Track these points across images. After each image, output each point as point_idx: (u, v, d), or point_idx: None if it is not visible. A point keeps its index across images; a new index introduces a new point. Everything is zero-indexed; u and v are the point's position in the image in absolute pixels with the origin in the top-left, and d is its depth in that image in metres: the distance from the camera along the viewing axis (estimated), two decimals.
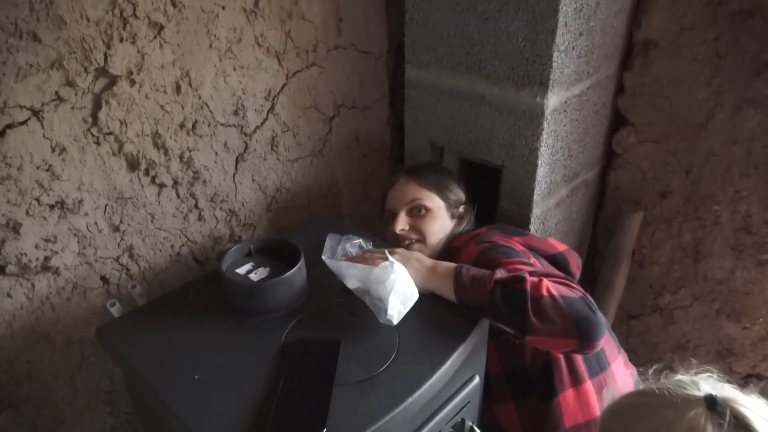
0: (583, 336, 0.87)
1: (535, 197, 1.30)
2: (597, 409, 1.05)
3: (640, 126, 1.41)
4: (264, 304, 0.92)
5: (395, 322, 0.88)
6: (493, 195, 1.41)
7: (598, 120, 1.42)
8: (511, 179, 1.32)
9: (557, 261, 1.17)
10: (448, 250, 1.20)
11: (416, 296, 0.91)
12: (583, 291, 0.93)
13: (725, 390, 0.67)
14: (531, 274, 0.93)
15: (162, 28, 1.03)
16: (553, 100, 1.20)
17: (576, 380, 1.05)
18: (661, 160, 1.41)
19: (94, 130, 1.01)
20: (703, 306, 1.45)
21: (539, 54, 1.16)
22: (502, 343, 1.05)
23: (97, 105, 1.00)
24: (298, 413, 0.74)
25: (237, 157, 1.26)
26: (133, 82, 1.03)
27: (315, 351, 0.85)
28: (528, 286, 0.88)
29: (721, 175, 1.32)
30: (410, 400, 0.78)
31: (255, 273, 0.96)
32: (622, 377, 1.11)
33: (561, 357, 1.04)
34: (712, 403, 0.64)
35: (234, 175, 1.27)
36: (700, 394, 0.66)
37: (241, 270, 0.97)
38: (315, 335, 0.88)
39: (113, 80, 1.00)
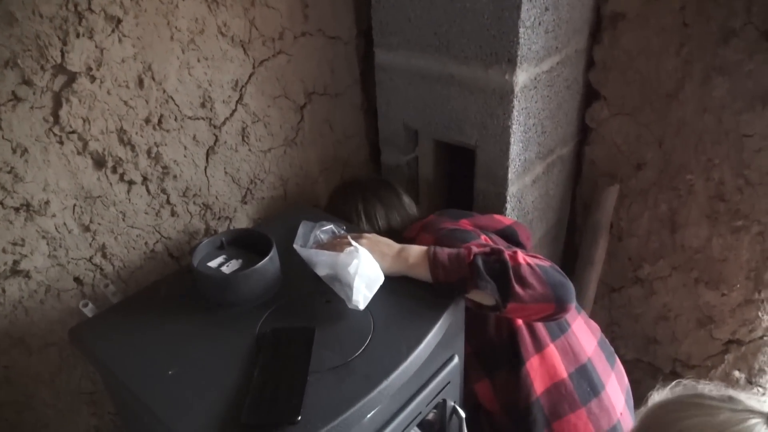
0: (560, 300, 0.92)
1: (509, 175, 1.30)
2: (563, 371, 1.07)
3: (612, 99, 1.41)
4: (237, 295, 0.91)
5: (362, 306, 0.88)
6: (470, 176, 1.41)
7: (570, 95, 1.42)
8: (485, 159, 1.32)
9: (506, 234, 1.20)
10: (398, 243, 1.20)
11: (381, 279, 0.92)
12: (549, 260, 0.96)
13: None
14: None
15: (119, 21, 1.01)
16: (522, 77, 1.20)
17: (539, 346, 1.08)
18: (634, 133, 1.41)
19: (56, 129, 0.99)
20: (682, 275, 1.46)
21: (505, 31, 1.15)
22: (466, 321, 1.07)
23: (57, 103, 0.98)
24: (272, 401, 0.74)
25: (207, 150, 1.24)
26: (93, 78, 1.01)
27: (289, 340, 0.84)
28: (506, 257, 0.91)
29: (693, 144, 1.32)
30: (385, 383, 0.78)
31: (227, 266, 0.95)
32: (584, 336, 1.13)
33: (523, 326, 1.07)
34: None
35: (205, 168, 1.25)
36: (765, 410, 0.64)
37: (213, 263, 0.96)
38: (290, 324, 0.88)
39: (72, 77, 0.98)
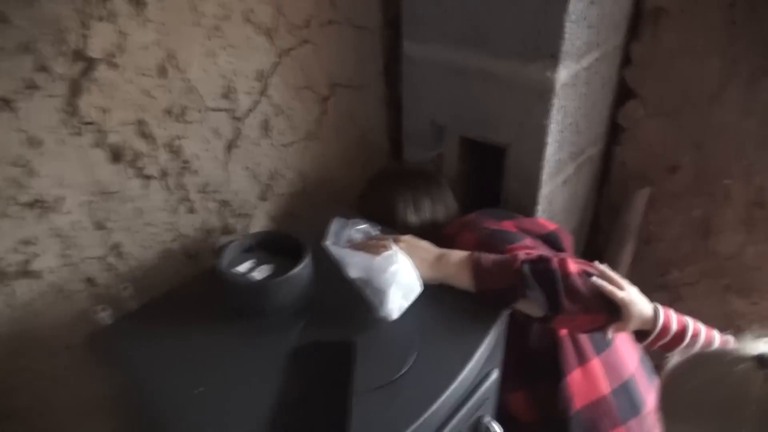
0: (611, 312, 0.86)
1: (543, 176, 1.25)
2: (605, 386, 1.02)
3: (649, 98, 1.36)
4: (269, 305, 0.85)
5: (395, 316, 0.83)
6: (495, 175, 1.35)
7: (604, 94, 1.37)
8: (518, 158, 1.26)
9: (549, 240, 1.14)
10: (437, 240, 1.15)
11: (418, 289, 0.86)
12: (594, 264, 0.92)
13: None
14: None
15: (145, 4, 0.93)
16: (563, 73, 1.14)
17: (582, 359, 1.03)
18: (670, 134, 1.36)
19: (73, 120, 0.92)
20: (711, 282, 1.42)
21: (550, 25, 1.09)
22: (507, 328, 1.02)
23: (75, 92, 0.91)
24: (316, 426, 0.69)
25: (228, 144, 1.17)
26: (114, 66, 0.94)
27: (329, 355, 0.79)
28: (555, 265, 0.85)
29: (734, 148, 1.28)
30: (435, 406, 0.73)
31: (257, 271, 0.89)
32: (628, 351, 1.09)
33: (567, 336, 1.02)
34: (763, 361, 0.63)
35: (225, 162, 1.18)
36: (753, 353, 0.65)
37: (242, 268, 0.90)
38: (327, 336, 0.82)
39: (92, 64, 0.91)
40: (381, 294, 0.84)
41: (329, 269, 0.93)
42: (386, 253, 0.86)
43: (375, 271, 0.85)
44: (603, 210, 1.57)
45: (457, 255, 0.92)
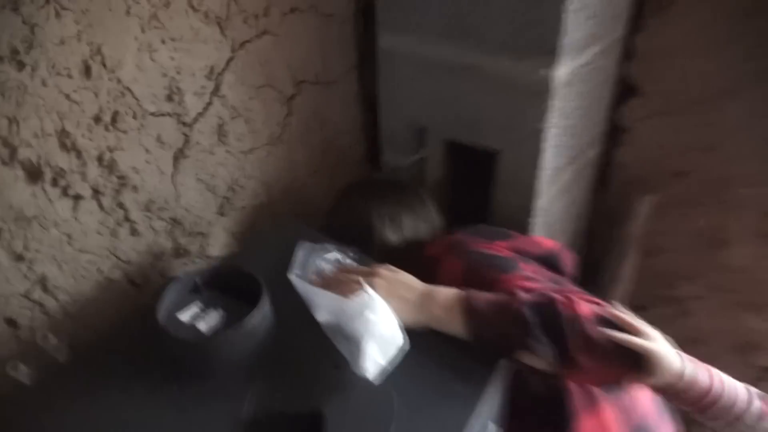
0: (633, 363, 0.70)
1: (538, 186, 1.10)
2: None
3: (653, 96, 1.22)
4: (219, 363, 0.70)
5: (371, 375, 0.68)
6: (482, 182, 1.20)
7: (604, 91, 1.22)
8: (509, 166, 1.12)
9: (548, 261, 0.99)
10: (419, 259, 0.99)
11: (400, 342, 0.71)
12: (604, 302, 0.77)
13: None
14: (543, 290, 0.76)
15: None
16: (561, 71, 0.99)
17: (592, 404, 0.88)
18: (676, 135, 1.23)
19: None
20: (722, 297, 1.30)
21: (547, 16, 0.94)
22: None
23: None
24: None
25: (175, 153, 1.00)
26: (21, 65, 0.76)
27: (290, 428, 0.63)
28: (561, 308, 0.71)
29: (749, 152, 1.15)
30: None
31: (204, 319, 0.73)
32: (644, 395, 0.95)
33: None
34: None
35: (173, 175, 1.02)
36: None
37: (186, 314, 0.74)
38: (287, 401, 0.67)
39: None
40: (354, 346, 0.69)
41: (294, 306, 0.78)
42: (360, 296, 0.71)
43: (347, 317, 0.70)
44: (600, 216, 1.43)
45: (445, 294, 0.77)
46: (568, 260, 1.01)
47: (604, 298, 0.75)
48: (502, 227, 1.09)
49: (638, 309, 1.44)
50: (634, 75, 1.23)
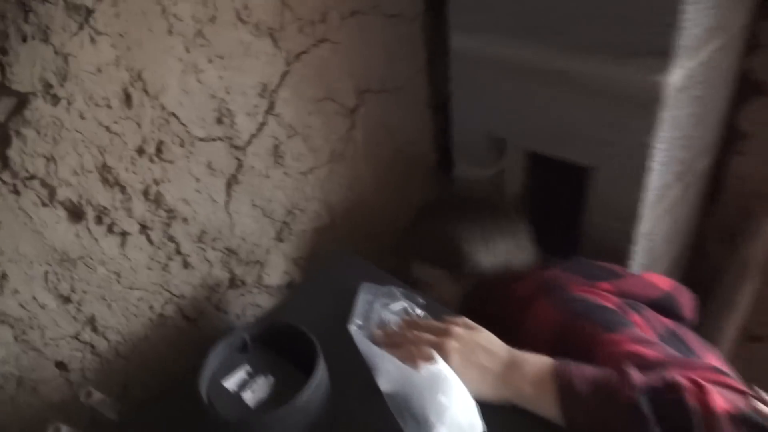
0: None
1: (641, 209, 0.94)
2: None
3: None
4: None
5: None
6: (574, 202, 1.04)
7: (721, 92, 1.03)
8: (607, 186, 0.95)
9: (662, 306, 0.83)
10: (507, 298, 0.85)
11: (479, 429, 0.59)
12: (745, 387, 0.60)
13: None
14: (661, 363, 0.60)
15: (90, 12, 0.68)
16: (676, 75, 0.82)
17: None
18: None
19: (5, 176, 0.68)
20: None
21: (659, 8, 0.77)
22: None
23: (3, 140, 0.67)
24: None
25: (228, 180, 0.92)
26: (55, 99, 0.69)
27: None
28: (689, 400, 0.55)
29: None
30: None
31: (251, 387, 0.64)
32: None
33: None
34: None
35: (226, 203, 0.93)
36: None
37: (232, 381, 0.65)
38: None
39: (23, 100, 0.67)
40: (423, 428, 0.57)
41: (353, 364, 0.67)
42: (432, 369, 0.59)
43: (416, 393, 0.59)
44: (711, 233, 1.24)
45: (535, 365, 0.63)
46: (687, 302, 0.84)
47: (746, 385, 0.59)
48: (597, 253, 0.94)
49: (755, 340, 1.25)
50: (758, 70, 1.02)
